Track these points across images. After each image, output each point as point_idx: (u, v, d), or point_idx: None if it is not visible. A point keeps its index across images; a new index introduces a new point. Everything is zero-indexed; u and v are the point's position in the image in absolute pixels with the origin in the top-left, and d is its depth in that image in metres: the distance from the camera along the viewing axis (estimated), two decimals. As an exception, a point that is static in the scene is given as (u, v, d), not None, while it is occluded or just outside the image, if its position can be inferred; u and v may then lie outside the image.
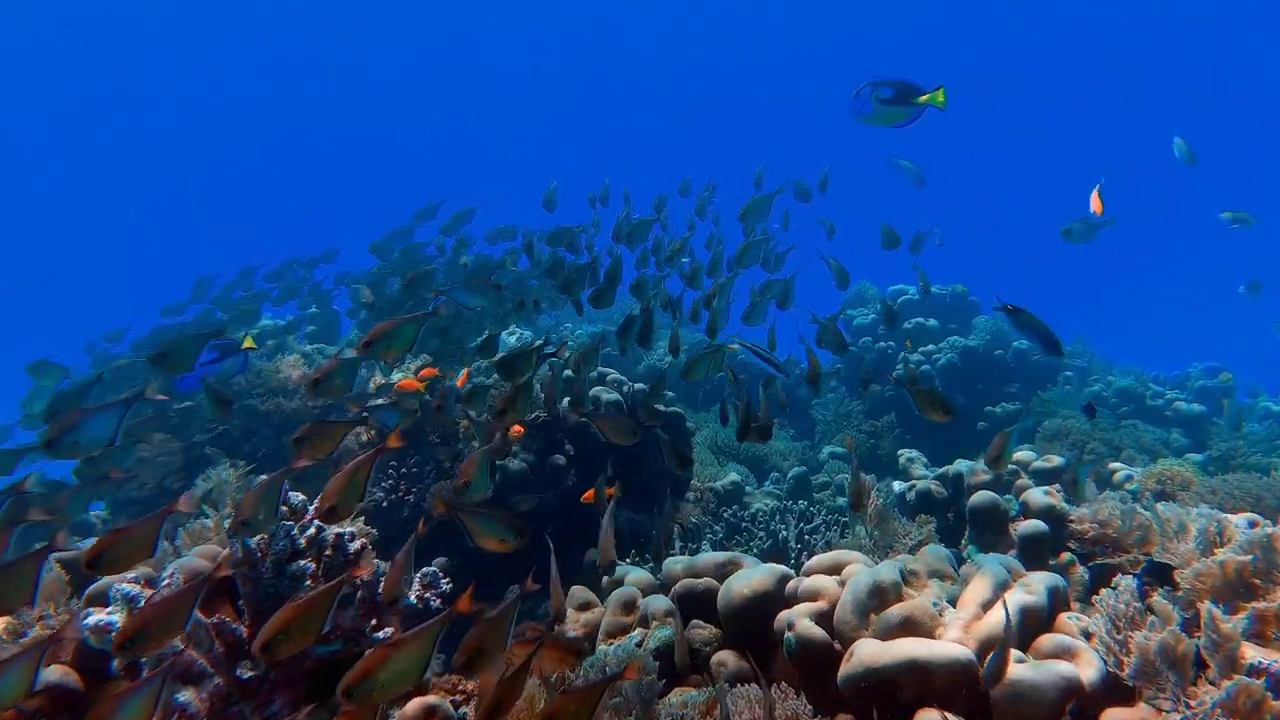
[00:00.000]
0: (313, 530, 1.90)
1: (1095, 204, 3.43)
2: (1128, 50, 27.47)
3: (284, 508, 1.93)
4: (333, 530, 1.95)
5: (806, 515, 3.74)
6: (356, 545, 1.96)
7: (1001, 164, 31.74)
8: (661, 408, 4.82)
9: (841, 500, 5.63)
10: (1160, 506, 2.36)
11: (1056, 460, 4.20)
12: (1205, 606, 1.66)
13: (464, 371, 3.94)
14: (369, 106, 32.87)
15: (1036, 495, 3.00)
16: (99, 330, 5.85)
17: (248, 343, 2.91)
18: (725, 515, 3.82)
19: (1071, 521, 2.88)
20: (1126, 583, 1.88)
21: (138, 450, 5.50)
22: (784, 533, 3.49)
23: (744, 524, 3.73)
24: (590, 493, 3.21)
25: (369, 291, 3.62)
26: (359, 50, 30.97)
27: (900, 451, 4.88)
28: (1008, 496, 3.28)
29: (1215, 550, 2.03)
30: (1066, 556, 2.83)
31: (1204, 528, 2.09)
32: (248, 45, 30.06)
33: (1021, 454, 4.27)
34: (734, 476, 5.23)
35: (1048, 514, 2.90)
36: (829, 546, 3.17)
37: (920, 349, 6.96)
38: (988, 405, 6.46)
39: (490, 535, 2.07)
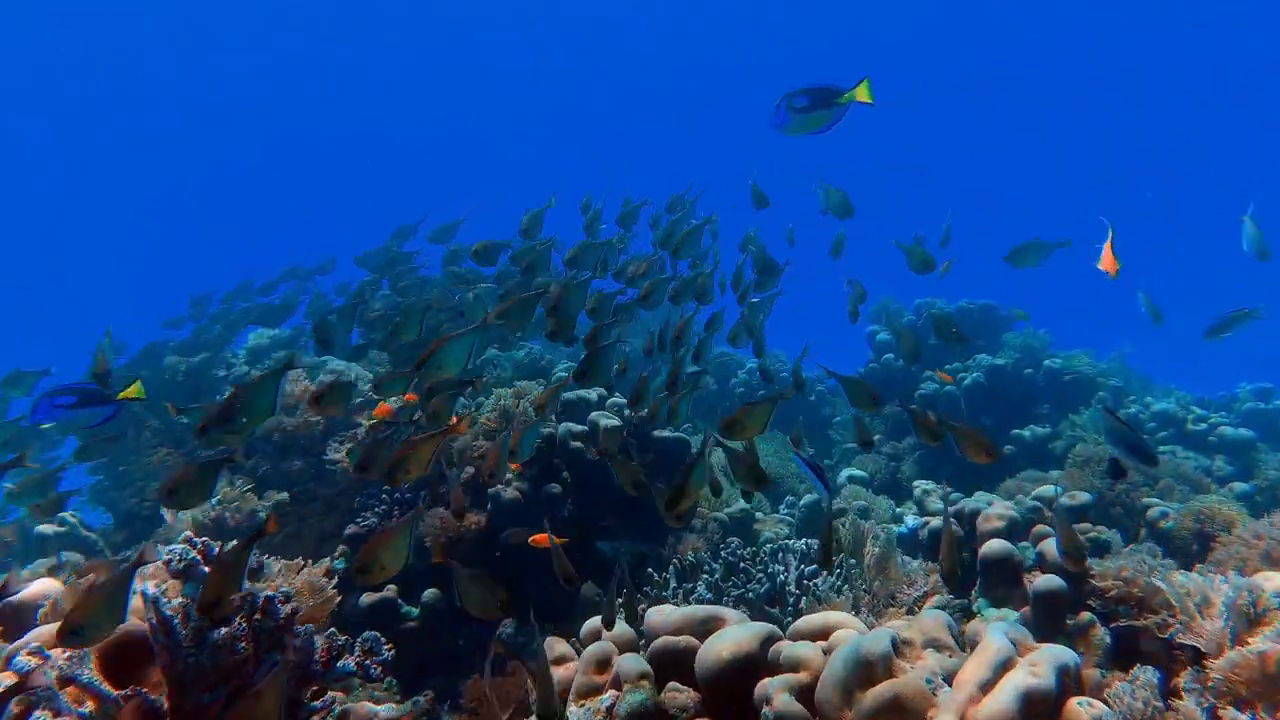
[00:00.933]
0: (238, 594, 1.74)
1: (1107, 261, 3.00)
2: (1128, 50, 27.43)
3: (206, 569, 1.78)
4: (264, 591, 1.79)
5: (810, 555, 3.51)
6: (288, 609, 1.80)
7: (1001, 164, 31.58)
8: (668, 432, 4.60)
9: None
10: (1178, 577, 2.11)
11: (1084, 497, 3.92)
12: (1228, 716, 1.43)
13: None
14: (369, 107, 33.12)
15: (1054, 546, 2.75)
16: (97, 328, 5.80)
17: (133, 390, 2.74)
18: (723, 553, 3.60)
19: (1093, 577, 2.63)
20: (1146, 676, 1.65)
21: (141, 464, 5.47)
22: (782, 576, 3.27)
23: (742, 563, 3.51)
24: (541, 536, 2.99)
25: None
26: (359, 50, 31.27)
27: (916, 482, 4.63)
28: (1023, 545, 3.03)
29: (1250, 634, 1.79)
30: (1086, 616, 2.57)
31: (1231, 601, 1.84)
32: (248, 45, 30.41)
33: (1046, 489, 4.00)
34: (743, 503, 5.00)
35: (1066, 569, 2.65)
36: (819, 601, 2.93)
37: (945, 366, 6.66)
38: (1015, 428, 6.15)
39: (478, 603, 2.08)
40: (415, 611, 3.88)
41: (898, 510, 5.56)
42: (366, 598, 3.83)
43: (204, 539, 1.79)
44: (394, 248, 5.06)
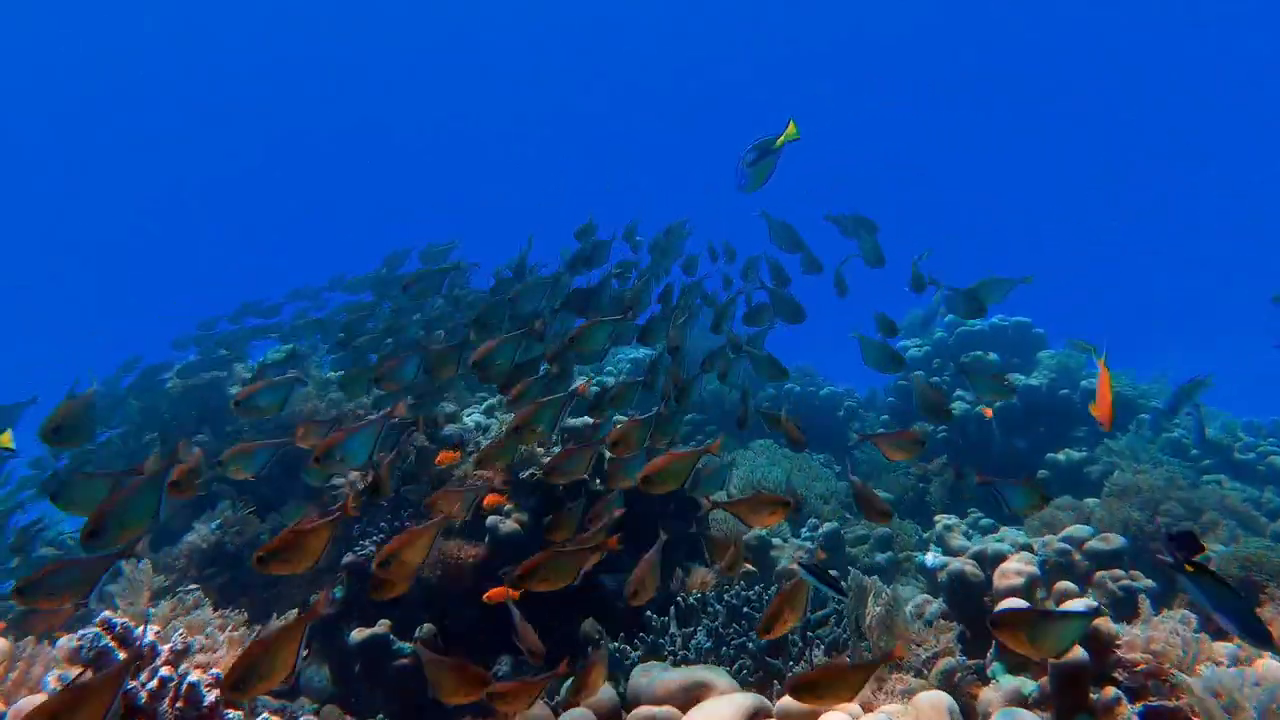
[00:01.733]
0: (156, 682, 1.61)
1: (1102, 406, 2.71)
2: (1128, 50, 27.33)
3: (122, 656, 1.64)
4: (188, 676, 1.65)
5: (818, 598, 3.30)
6: (212, 699, 1.66)
7: (1002, 164, 31.36)
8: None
9: (880, 557, 5.13)
10: (1204, 670, 1.87)
11: (1117, 540, 3.65)
12: None
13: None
14: (369, 108, 33.26)
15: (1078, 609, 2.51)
16: (97, 328, 5.83)
17: (2, 439, 2.80)
18: (727, 595, 3.40)
19: (1119, 647, 2.39)
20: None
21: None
22: (786, 625, 3.06)
23: (746, 607, 3.31)
24: (497, 591, 2.82)
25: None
26: (359, 51, 31.47)
27: (938, 516, 4.38)
28: (1044, 599, 2.78)
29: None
30: (1112, 692, 2.33)
31: (1264, 707, 1.61)
32: (248, 45, 30.68)
33: (1075, 529, 3.74)
34: (757, 530, 4.79)
35: (1090, 637, 2.41)
36: (829, 649, 2.73)
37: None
38: (1050, 452, 5.84)
39: (448, 690, 2.04)
40: (408, 648, 3.75)
41: (924, 535, 5.30)
42: (358, 634, 3.70)
43: (122, 621, 1.66)
44: (388, 272, 4.97)
